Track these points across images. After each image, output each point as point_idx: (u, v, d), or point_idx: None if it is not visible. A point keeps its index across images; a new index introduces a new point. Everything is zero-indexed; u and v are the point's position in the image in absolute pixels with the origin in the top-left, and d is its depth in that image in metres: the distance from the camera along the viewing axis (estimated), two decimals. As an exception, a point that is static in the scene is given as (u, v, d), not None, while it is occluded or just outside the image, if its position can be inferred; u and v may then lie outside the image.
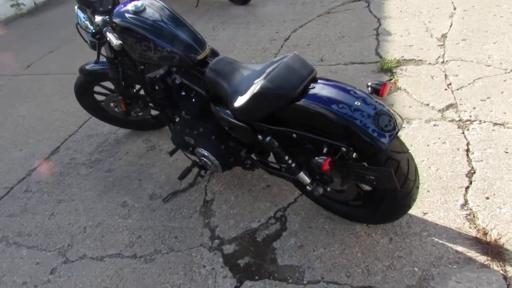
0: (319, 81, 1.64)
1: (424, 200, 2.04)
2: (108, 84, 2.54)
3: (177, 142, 2.25)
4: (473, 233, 1.84)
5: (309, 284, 1.77)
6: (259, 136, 1.73)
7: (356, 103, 1.50)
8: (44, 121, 3.41)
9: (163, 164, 2.63)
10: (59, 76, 4.24)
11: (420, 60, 3.27)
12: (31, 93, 3.98)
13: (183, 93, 2.10)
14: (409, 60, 3.31)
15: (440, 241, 1.84)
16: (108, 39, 1.85)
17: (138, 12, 1.98)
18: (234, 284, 1.82)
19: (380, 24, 3.99)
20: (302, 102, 1.57)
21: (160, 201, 2.35)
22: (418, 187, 1.67)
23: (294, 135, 1.65)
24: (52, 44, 5.22)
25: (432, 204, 2.01)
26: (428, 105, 2.73)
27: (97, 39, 1.96)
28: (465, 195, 2.03)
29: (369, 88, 1.66)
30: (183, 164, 2.54)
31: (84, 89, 2.66)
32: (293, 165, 1.75)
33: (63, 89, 3.89)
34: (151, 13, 1.98)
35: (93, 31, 1.93)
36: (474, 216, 1.91)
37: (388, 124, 1.47)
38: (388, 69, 3.21)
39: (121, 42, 1.83)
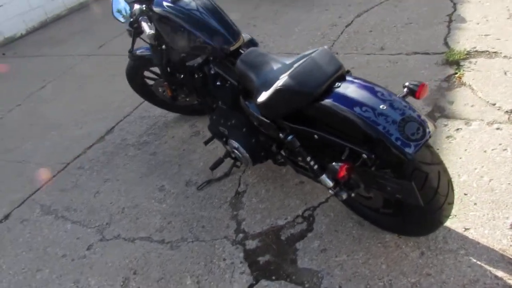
0: (347, 78, 1.52)
1: (469, 214, 1.84)
2: (157, 69, 2.60)
3: (213, 131, 2.25)
4: (520, 258, 1.62)
5: (325, 291, 1.69)
6: (281, 135, 1.66)
7: (381, 106, 1.37)
8: (105, 101, 3.61)
9: (203, 151, 2.66)
10: (125, 57, 4.45)
11: (495, 52, 2.92)
12: (98, 73, 4.23)
13: (218, 83, 2.09)
14: (482, 52, 2.97)
15: (478, 262, 1.64)
16: (142, 28, 1.87)
17: (175, 1, 1.98)
18: (250, 281, 1.80)
19: (455, 10, 3.63)
20: (324, 101, 1.47)
21: (194, 188, 2.39)
22: (451, 203, 1.50)
23: (316, 136, 1.55)
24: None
25: (477, 219, 1.81)
26: (494, 105, 2.43)
27: (134, 28, 2.00)
28: (518, 213, 1.79)
29: (405, 89, 1.51)
30: (221, 153, 2.54)
31: (134, 74, 2.76)
32: (315, 167, 1.66)
33: (126, 70, 4.09)
34: (188, 2, 1.97)
35: (131, 19, 1.97)
36: (525, 239, 1.69)
37: (415, 132, 1.32)
38: (454, 62, 2.91)
39: (153, 32, 1.85)
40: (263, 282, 1.79)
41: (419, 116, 1.36)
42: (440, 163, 1.46)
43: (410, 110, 1.37)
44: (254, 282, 1.80)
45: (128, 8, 2.04)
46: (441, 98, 2.62)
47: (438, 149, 2.23)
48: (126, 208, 2.37)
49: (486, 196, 1.90)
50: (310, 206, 2.08)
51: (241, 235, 2.04)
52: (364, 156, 1.40)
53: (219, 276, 1.86)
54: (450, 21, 3.49)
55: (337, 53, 3.42)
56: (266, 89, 1.65)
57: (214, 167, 2.31)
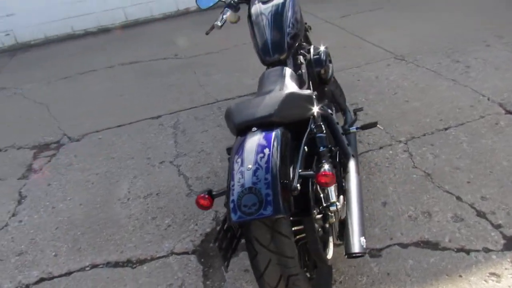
0: (267, 129, 1.47)
1: None
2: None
3: None
4: None
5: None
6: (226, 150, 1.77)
7: (249, 166, 1.34)
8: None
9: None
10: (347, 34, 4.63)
11: None
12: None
13: None
14: None
15: None
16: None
17: (264, 1, 2.15)
18: (190, 248, 2.10)
19: None
20: (237, 138, 1.51)
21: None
22: None
23: (233, 166, 1.62)
24: (372, 5, 5.51)
25: None
26: None
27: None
28: None
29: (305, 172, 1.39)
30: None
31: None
32: None
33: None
34: (268, 7, 2.11)
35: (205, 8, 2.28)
36: None
37: (249, 205, 1.27)
38: None
39: (220, 25, 2.12)
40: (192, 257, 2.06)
41: (268, 195, 1.26)
42: (279, 254, 1.30)
43: (264, 185, 1.28)
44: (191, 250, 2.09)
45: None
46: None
47: (461, 275, 1.73)
48: (202, 152, 2.91)
49: None
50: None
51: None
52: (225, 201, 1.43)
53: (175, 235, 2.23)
54: None
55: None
56: None
57: None
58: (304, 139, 1.55)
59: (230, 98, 3.61)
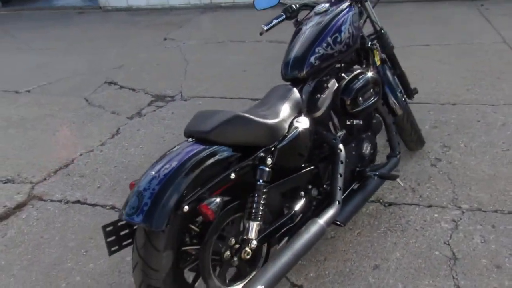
0: (197, 142, 1.47)
1: None
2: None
3: None
4: None
5: None
6: None
7: (152, 172, 1.40)
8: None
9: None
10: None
11: None
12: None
13: None
14: None
15: None
16: None
17: (317, 13, 2.01)
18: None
19: None
20: (176, 145, 1.57)
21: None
22: None
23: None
24: None
25: None
26: None
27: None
28: None
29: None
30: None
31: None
32: None
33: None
34: (315, 19, 1.97)
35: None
36: None
37: (131, 207, 1.34)
38: None
39: (265, 29, 2.06)
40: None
41: (146, 204, 1.30)
42: (144, 262, 1.34)
43: (149, 194, 1.31)
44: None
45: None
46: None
47: None
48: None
49: None
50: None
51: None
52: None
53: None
54: None
55: None
56: None
57: None
58: (237, 166, 1.49)
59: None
